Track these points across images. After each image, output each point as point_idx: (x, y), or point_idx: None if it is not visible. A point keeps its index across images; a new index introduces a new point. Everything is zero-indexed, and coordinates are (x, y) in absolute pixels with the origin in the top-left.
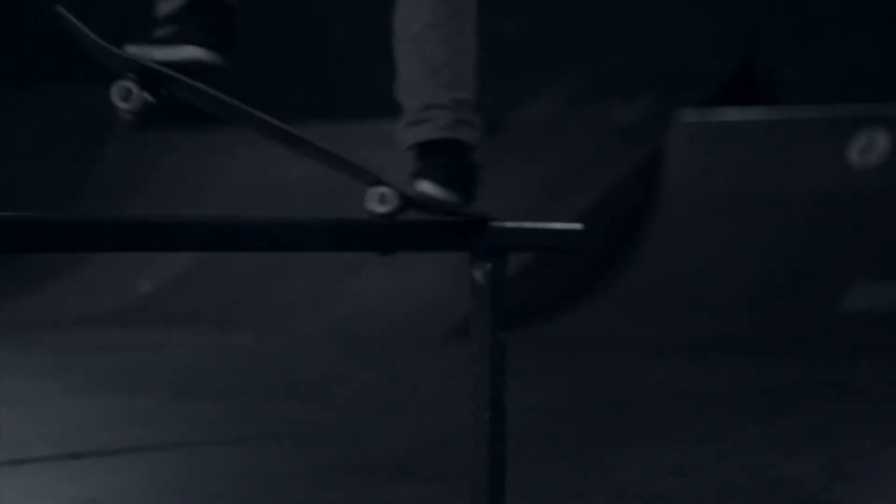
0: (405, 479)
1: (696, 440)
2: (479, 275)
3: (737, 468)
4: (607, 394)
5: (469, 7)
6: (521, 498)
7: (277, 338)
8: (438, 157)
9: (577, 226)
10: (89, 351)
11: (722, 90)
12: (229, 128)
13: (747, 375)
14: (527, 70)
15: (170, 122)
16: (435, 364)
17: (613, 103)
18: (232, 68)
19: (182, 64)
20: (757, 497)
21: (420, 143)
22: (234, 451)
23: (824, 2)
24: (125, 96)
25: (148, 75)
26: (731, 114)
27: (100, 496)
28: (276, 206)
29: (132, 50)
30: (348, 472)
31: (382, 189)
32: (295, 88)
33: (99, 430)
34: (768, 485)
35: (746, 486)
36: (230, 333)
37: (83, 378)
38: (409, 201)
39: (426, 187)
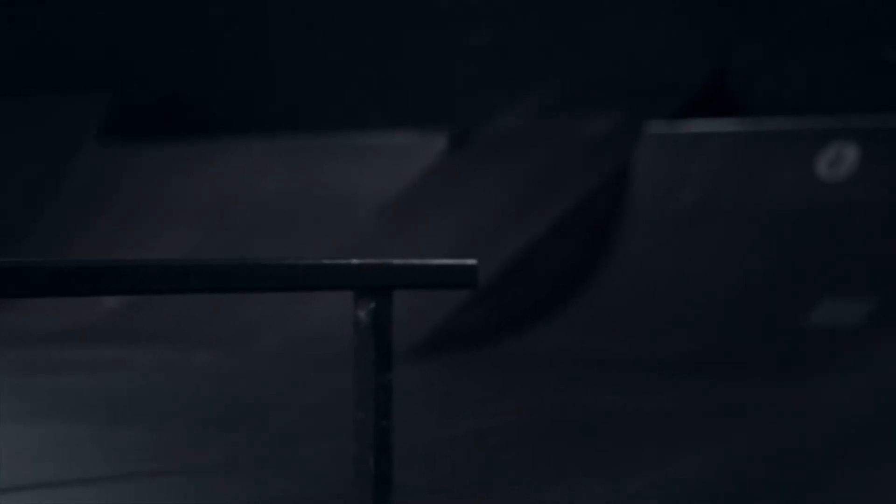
0: None
1: (639, 468)
2: (362, 315)
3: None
4: (560, 417)
5: None
6: None
7: (237, 357)
8: None
9: (471, 262)
10: (40, 371)
11: (691, 102)
12: (197, 142)
13: (710, 395)
14: (496, 83)
15: (137, 135)
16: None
17: (582, 116)
18: (209, 81)
19: None
20: None
21: None
22: (156, 484)
23: (795, 13)
24: None
25: None
26: (700, 126)
27: None
28: (244, 219)
29: None
30: None
31: None
32: (269, 101)
33: (19, 462)
34: None
35: None
36: (190, 352)
37: (24, 402)
38: None
39: None
